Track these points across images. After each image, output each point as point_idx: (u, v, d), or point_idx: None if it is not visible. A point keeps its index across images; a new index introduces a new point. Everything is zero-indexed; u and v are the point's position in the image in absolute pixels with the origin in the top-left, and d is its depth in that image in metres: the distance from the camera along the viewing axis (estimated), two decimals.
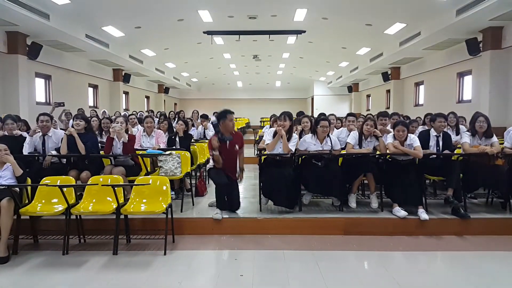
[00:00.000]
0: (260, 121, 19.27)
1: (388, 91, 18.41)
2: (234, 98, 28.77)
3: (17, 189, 4.35)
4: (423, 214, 4.79)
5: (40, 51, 10.78)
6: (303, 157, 5.39)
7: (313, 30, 12.73)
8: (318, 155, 5.17)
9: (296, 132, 6.23)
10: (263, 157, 5.41)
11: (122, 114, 10.31)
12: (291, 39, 14.11)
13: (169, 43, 14.92)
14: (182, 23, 11.84)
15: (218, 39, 14.30)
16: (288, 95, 30.10)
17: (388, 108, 18.01)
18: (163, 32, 12.99)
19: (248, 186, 7.11)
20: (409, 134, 5.28)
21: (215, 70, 22.53)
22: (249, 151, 7.98)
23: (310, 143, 5.31)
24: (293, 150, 5.20)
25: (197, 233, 4.84)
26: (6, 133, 5.76)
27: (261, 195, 5.31)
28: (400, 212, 4.83)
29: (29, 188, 4.52)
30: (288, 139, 5.21)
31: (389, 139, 5.35)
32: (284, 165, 5.20)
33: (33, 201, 4.43)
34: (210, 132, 8.94)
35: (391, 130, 5.54)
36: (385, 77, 17.94)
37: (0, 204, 4.00)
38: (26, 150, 5.50)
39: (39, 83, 11.77)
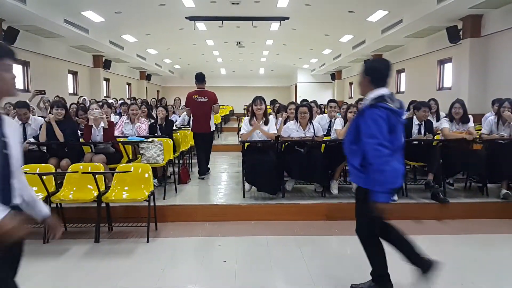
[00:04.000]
0: (244, 109, 19.22)
1: None
2: (217, 85, 28.46)
3: None
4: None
5: (17, 36, 10.45)
6: (286, 143, 5.41)
7: (297, 17, 12.67)
8: (301, 141, 5.20)
9: (282, 119, 6.26)
10: (246, 144, 5.41)
11: (102, 101, 10.11)
12: (275, 25, 14.01)
13: (150, 29, 14.64)
14: (164, 8, 11.61)
15: (201, 25, 14.10)
16: (272, 82, 30.05)
17: None
18: (144, 17, 12.72)
19: (231, 174, 7.11)
20: None
21: (198, 57, 22.26)
22: (232, 139, 7.97)
23: (293, 129, 5.33)
24: (275, 133, 5.30)
25: (180, 220, 4.83)
26: None
27: (244, 181, 5.32)
28: None
29: None
30: (266, 123, 5.28)
31: None
32: (267, 152, 5.22)
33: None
34: None
35: None
36: None
37: None
38: None
39: (17, 69, 11.44)
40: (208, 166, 6.92)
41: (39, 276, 3.40)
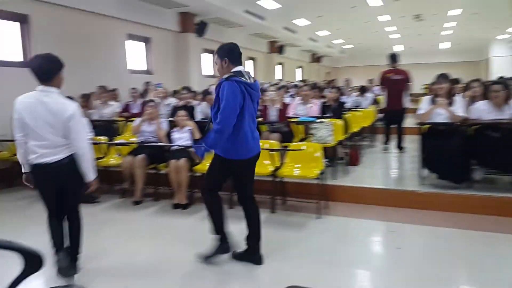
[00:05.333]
0: (423, 88, 17.69)
1: None
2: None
3: (194, 149, 4.99)
4: None
5: (206, 28, 11.89)
6: (476, 126, 4.75)
7: None
8: (495, 124, 4.48)
9: (466, 98, 5.53)
10: (426, 126, 4.95)
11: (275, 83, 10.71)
12: None
13: (322, 11, 14.70)
14: None
15: (374, 1, 13.44)
16: (456, 58, 26.71)
17: None
18: None
19: (407, 158, 6.67)
20: None
21: (371, 34, 21.34)
22: (409, 121, 7.46)
23: (483, 110, 4.63)
24: (463, 115, 4.64)
25: (350, 201, 4.78)
26: (180, 103, 6.61)
27: (423, 167, 4.90)
28: None
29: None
30: (450, 104, 4.67)
31: None
32: (452, 135, 4.66)
33: (204, 161, 5.00)
34: (366, 101, 8.64)
35: None
36: None
37: (179, 163, 4.65)
38: (198, 117, 6.22)
39: (206, 58, 13.07)
40: (402, 145, 7.02)
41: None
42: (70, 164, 2.83)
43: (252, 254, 3.26)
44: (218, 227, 3.29)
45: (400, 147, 7.04)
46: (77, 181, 2.90)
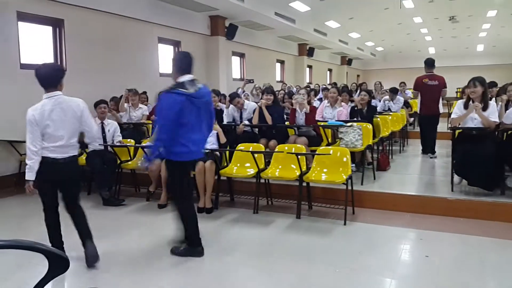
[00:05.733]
0: (456, 92, 17.16)
1: None
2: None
3: (218, 153, 5.02)
4: None
5: (236, 31, 11.98)
6: (509, 132, 4.57)
7: None
8: None
9: (501, 103, 5.32)
10: (457, 132, 4.80)
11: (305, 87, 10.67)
12: None
13: (353, 12, 14.53)
14: None
15: (408, 2, 13.16)
16: (493, 60, 25.69)
17: None
18: (348, 1, 12.71)
19: (439, 164, 6.49)
20: None
21: (403, 36, 20.91)
22: (441, 125, 7.28)
23: None
24: (497, 121, 4.46)
25: (378, 207, 4.69)
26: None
27: (454, 173, 4.75)
28: None
29: (227, 152, 5.16)
30: (484, 109, 4.49)
31: None
32: (484, 141, 4.50)
33: (230, 164, 5.04)
34: (396, 105, 8.46)
35: None
36: None
37: (205, 165, 4.69)
38: (225, 120, 6.27)
39: (235, 60, 13.17)
40: (435, 150, 6.96)
41: (250, 241, 3.87)
42: (76, 159, 3.31)
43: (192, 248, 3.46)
44: (193, 232, 3.46)
45: (432, 151, 6.95)
46: (80, 173, 3.49)
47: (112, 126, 5.62)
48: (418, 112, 7.23)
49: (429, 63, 7.02)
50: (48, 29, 7.07)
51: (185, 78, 3.31)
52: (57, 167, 3.14)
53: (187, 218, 3.48)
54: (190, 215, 3.50)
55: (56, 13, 6.95)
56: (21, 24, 6.45)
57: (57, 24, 7.08)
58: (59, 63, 7.10)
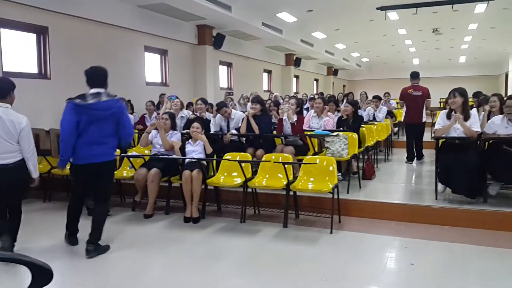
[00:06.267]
0: (439, 102, 17.48)
1: None
2: (409, 77, 26.72)
3: (205, 162, 5.01)
4: None
5: (223, 41, 12.04)
6: (491, 141, 4.68)
7: None
8: (510, 139, 4.40)
9: (483, 112, 5.46)
10: (441, 141, 4.90)
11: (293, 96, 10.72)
12: (480, 7, 12.23)
13: (340, 24, 14.76)
14: (354, 1, 11.53)
15: (393, 14, 13.43)
16: (474, 72, 26.31)
17: None
18: (334, 12, 12.90)
19: (422, 172, 6.59)
20: None
21: (388, 48, 21.29)
22: (426, 135, 7.45)
23: (500, 125, 4.57)
24: (479, 130, 4.58)
25: (364, 216, 4.73)
26: (197, 114, 6.67)
27: (437, 182, 4.84)
28: None
29: (214, 162, 5.15)
30: (465, 119, 4.59)
31: None
32: (467, 150, 4.59)
33: (217, 173, 5.03)
34: (380, 114, 8.57)
35: None
36: None
37: (192, 174, 4.68)
38: (212, 129, 6.28)
39: (222, 70, 13.22)
40: (423, 154, 7.41)
41: (237, 250, 3.86)
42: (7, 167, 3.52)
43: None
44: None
45: (419, 157, 7.37)
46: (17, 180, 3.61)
47: None
48: (403, 121, 7.66)
49: (414, 75, 7.50)
50: (32, 37, 6.99)
51: (92, 91, 3.67)
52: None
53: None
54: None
55: (40, 21, 6.88)
56: (3, 31, 6.37)
57: (41, 32, 7.01)
58: (43, 71, 7.03)
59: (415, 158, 7.37)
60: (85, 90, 3.61)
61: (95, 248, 3.64)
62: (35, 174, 3.70)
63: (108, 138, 3.72)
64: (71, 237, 3.95)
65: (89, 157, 3.66)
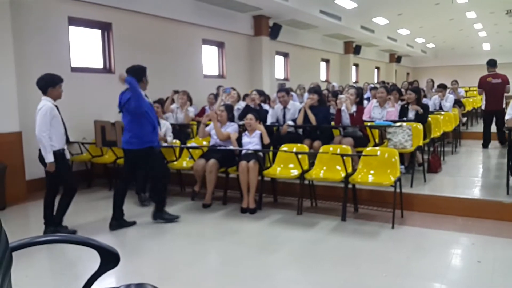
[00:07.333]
0: None
1: None
2: (478, 63, 24.83)
3: (262, 153, 5.02)
4: None
5: (280, 31, 11.94)
6: None
7: None
8: None
9: None
10: None
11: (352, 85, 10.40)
12: None
13: (403, 8, 14.04)
14: None
15: None
16: None
17: None
18: None
19: (492, 166, 6.12)
20: None
21: (456, 32, 19.95)
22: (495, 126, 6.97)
23: None
24: None
25: (428, 211, 4.49)
26: (251, 105, 6.67)
27: (510, 175, 4.46)
28: None
29: (270, 153, 5.15)
30: None
31: None
32: None
33: (274, 165, 5.02)
34: (447, 103, 8.06)
35: None
36: None
37: (249, 165, 4.71)
38: (269, 121, 6.26)
39: (279, 60, 13.14)
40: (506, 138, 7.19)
41: (294, 242, 3.84)
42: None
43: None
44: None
45: (503, 142, 7.47)
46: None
47: (164, 126, 5.69)
48: (483, 108, 7.76)
49: (492, 63, 7.67)
50: (97, 33, 7.37)
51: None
52: None
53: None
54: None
55: (104, 17, 7.23)
56: (71, 29, 6.77)
57: (105, 28, 7.38)
58: (107, 65, 7.40)
59: (499, 143, 7.56)
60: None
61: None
62: (46, 159, 3.90)
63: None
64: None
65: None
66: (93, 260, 1.36)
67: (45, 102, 3.94)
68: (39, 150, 3.95)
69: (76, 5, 6.70)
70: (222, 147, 5.18)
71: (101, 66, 7.40)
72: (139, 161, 4.29)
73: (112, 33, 7.40)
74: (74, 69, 6.70)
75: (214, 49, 10.54)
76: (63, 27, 6.57)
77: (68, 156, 4.19)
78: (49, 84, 3.97)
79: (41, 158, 3.97)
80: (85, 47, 7.20)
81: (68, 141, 4.27)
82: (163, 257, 3.59)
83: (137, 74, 4.18)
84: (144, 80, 4.29)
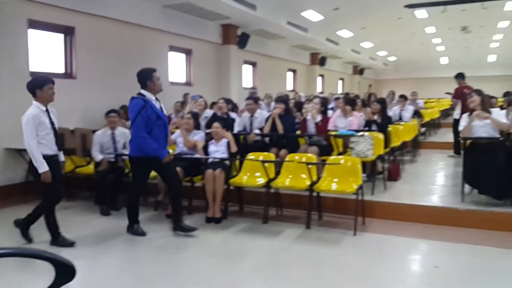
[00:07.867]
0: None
1: None
2: (437, 76, 25.97)
3: (228, 162, 5.03)
4: None
5: (248, 40, 12.04)
6: None
7: None
8: None
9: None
10: (468, 142, 4.76)
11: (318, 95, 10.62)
12: (510, 4, 11.81)
13: (366, 22, 14.53)
14: None
15: (421, 12, 13.13)
16: (505, 71, 25.36)
17: None
18: (361, 10, 12.70)
19: (448, 173, 6.42)
20: None
21: (416, 46, 20.82)
22: (451, 136, 7.27)
23: None
24: (507, 123, 4.59)
25: (388, 217, 4.65)
26: (218, 113, 6.67)
27: (464, 183, 4.70)
28: None
29: (237, 161, 5.16)
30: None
31: None
32: (495, 150, 4.46)
33: (240, 173, 5.04)
34: (407, 113, 8.39)
35: None
36: None
37: (215, 173, 4.71)
38: (236, 129, 6.29)
39: (247, 69, 13.24)
40: None
41: (259, 251, 3.87)
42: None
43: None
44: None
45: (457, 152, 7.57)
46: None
47: (123, 136, 5.52)
48: (457, 118, 8.01)
49: (461, 76, 8.37)
50: (59, 37, 7.11)
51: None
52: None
53: None
54: None
55: (68, 21, 6.98)
56: (31, 32, 6.49)
57: (68, 32, 7.13)
58: (69, 71, 7.16)
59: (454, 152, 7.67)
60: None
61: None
62: (39, 170, 3.70)
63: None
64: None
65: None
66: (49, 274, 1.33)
67: (29, 110, 3.77)
68: (29, 161, 3.78)
69: (37, 7, 6.44)
70: (188, 156, 5.13)
71: (62, 71, 7.18)
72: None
73: (75, 38, 7.19)
74: (33, 74, 6.43)
75: (182, 56, 10.48)
76: (22, 29, 6.31)
77: (62, 158, 4.06)
78: (36, 86, 3.80)
79: (33, 170, 3.77)
80: (46, 51, 6.95)
81: (61, 149, 4.02)
82: (126, 269, 3.52)
83: (139, 79, 4.32)
84: (149, 83, 4.23)
